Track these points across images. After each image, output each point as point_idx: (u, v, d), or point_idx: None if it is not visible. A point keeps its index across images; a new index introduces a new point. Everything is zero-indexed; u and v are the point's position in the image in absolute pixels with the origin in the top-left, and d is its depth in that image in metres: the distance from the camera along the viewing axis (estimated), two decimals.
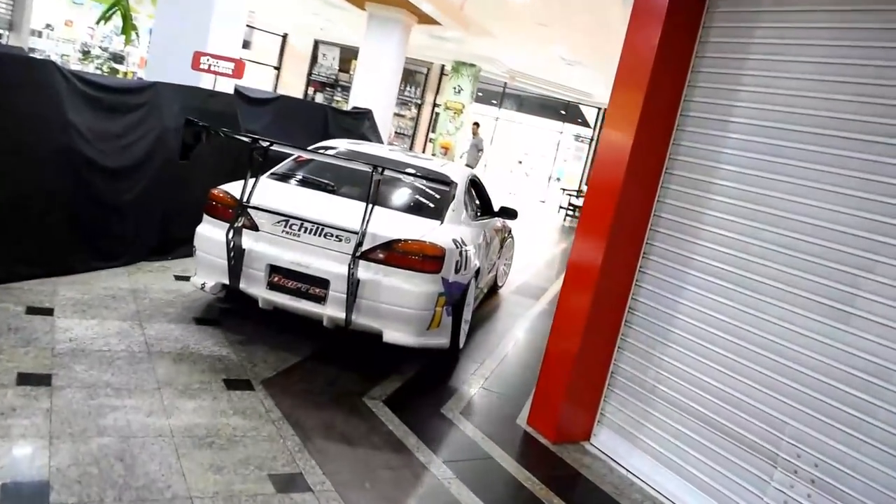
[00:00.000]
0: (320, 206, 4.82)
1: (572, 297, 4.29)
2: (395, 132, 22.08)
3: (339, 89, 22.25)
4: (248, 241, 4.60)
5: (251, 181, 4.61)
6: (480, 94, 21.74)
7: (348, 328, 4.55)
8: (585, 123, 24.10)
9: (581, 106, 23.88)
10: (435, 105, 23.08)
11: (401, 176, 4.92)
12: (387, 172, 4.48)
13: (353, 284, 4.37)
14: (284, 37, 22.83)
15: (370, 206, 4.39)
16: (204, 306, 5.30)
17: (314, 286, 4.52)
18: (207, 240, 4.75)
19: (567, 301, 4.33)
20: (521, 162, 24.49)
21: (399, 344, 4.58)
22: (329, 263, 4.50)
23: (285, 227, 4.57)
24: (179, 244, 6.29)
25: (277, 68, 22.98)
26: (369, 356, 4.98)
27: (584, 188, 21.31)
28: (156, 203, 5.95)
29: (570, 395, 4.26)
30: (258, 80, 23.04)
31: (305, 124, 10.34)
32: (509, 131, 24.68)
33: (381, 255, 4.47)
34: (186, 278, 5.74)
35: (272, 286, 4.58)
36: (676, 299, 3.97)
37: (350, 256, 4.36)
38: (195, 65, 7.35)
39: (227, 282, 4.65)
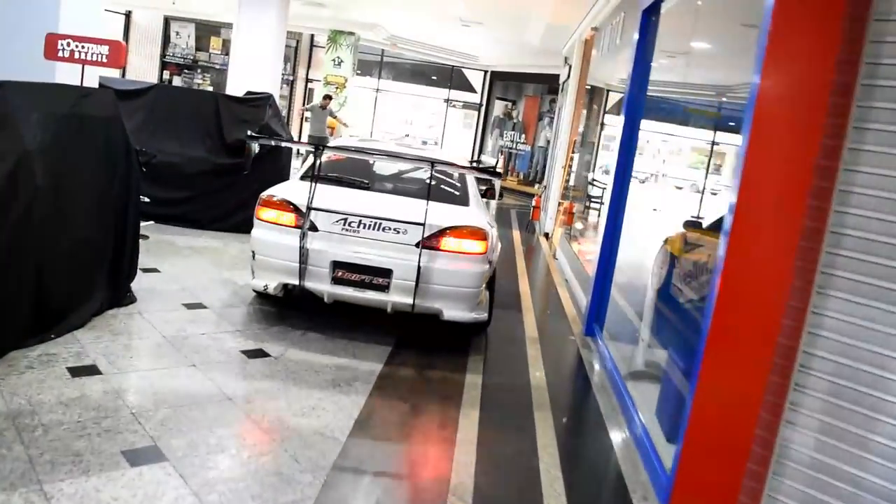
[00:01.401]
0: (372, 202, 5.26)
1: (724, 360, 2.92)
2: None
3: (198, 71, 19.76)
4: (309, 240, 4.92)
5: (312, 185, 4.99)
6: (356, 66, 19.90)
7: (413, 311, 4.98)
8: (471, 89, 22.81)
9: (465, 70, 22.54)
10: (308, 80, 21.05)
11: (447, 167, 5.66)
12: (438, 167, 5.40)
13: (418, 271, 4.82)
14: (128, 15, 19.97)
15: (428, 199, 4.99)
16: (134, 429, 3.53)
17: (377, 276, 4.93)
18: (266, 243, 5.10)
19: (715, 368, 2.96)
20: (407, 135, 22.90)
21: (455, 320, 5.12)
22: (390, 254, 4.93)
23: (344, 224, 4.95)
24: (66, 311, 4.43)
25: None
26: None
27: (484, 159, 20.03)
28: (24, 258, 4.04)
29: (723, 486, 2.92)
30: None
31: (192, 118, 8.39)
32: (392, 103, 23.01)
33: (436, 242, 4.96)
34: (89, 370, 3.96)
35: (337, 281, 4.96)
36: (883, 352, 2.68)
37: (411, 246, 4.90)
38: (50, 52, 5.34)
39: (290, 282, 5.00)
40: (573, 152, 11.85)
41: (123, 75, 20.07)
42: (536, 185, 19.74)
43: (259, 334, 5.04)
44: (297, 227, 4.98)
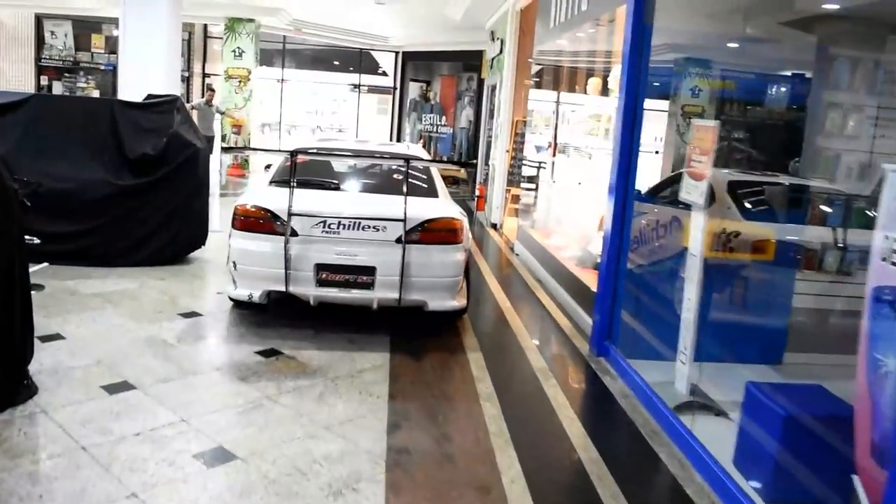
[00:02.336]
0: (348, 203, 5.38)
1: None
2: None
3: (81, 74, 17.69)
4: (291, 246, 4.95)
5: (290, 191, 5.03)
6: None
7: (399, 305, 5.07)
8: (382, 72, 21.52)
9: (375, 53, 21.22)
10: (205, 75, 19.28)
11: (424, 163, 6.22)
12: (413, 163, 5.67)
13: (402, 266, 4.91)
14: None
15: (405, 195, 5.13)
16: None
17: (362, 275, 5.01)
18: (248, 252, 5.09)
19: None
20: (318, 127, 21.46)
21: (440, 310, 5.23)
22: (373, 252, 5.01)
23: (324, 227, 4.99)
24: None
25: None
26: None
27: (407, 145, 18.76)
28: None
29: None
30: None
31: (82, 132, 6.94)
32: (299, 93, 21.47)
33: (417, 236, 5.04)
34: None
35: (321, 283, 5.03)
36: None
37: (392, 242, 4.98)
38: None
39: (274, 288, 5.02)
40: (517, 133, 10.87)
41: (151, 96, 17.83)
42: (461, 169, 18.73)
43: (214, 423, 3.80)
44: (277, 233, 4.98)
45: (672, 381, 4.48)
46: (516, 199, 10.99)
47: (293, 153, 5.37)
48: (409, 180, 5.49)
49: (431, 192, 5.82)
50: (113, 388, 4.10)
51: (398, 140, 20.34)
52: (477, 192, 11.30)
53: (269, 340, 5.13)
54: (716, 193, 4.65)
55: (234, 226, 5.20)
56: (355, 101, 21.27)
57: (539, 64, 9.57)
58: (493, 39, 12.87)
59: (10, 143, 6.51)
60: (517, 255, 9.15)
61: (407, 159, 5.49)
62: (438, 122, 19.18)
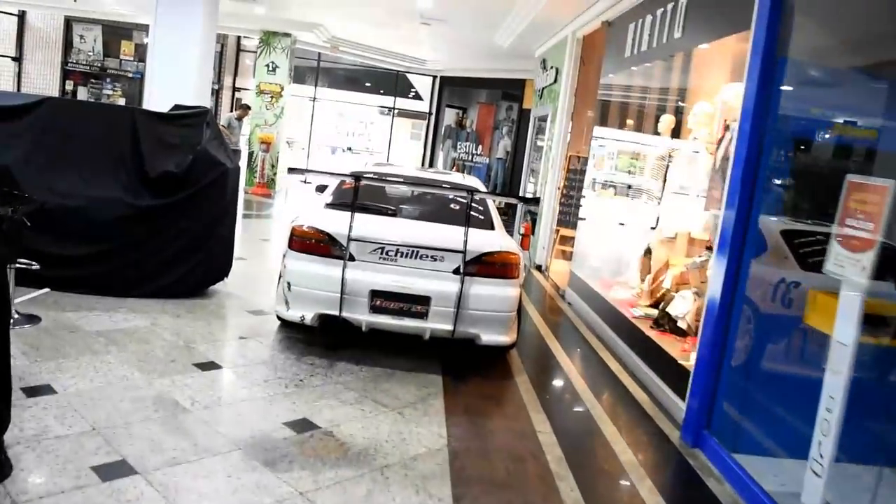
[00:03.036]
0: (407, 230, 5.30)
1: None
2: None
3: (108, 80, 17.11)
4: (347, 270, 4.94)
5: (351, 214, 5.05)
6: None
7: (453, 337, 5.03)
8: (418, 96, 20.83)
9: (411, 76, 20.55)
10: (235, 89, 18.68)
11: (487, 195, 6.60)
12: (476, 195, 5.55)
13: (459, 298, 4.90)
14: (21, 16, 17.15)
15: (467, 226, 5.16)
16: None
17: (416, 304, 4.97)
18: (302, 274, 5.07)
19: None
20: (349, 148, 20.75)
21: (493, 344, 5.19)
22: (429, 282, 4.99)
23: (382, 253, 5.01)
24: None
25: (17, 59, 17.26)
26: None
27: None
28: None
29: None
30: None
31: (99, 143, 6.16)
32: (331, 113, 20.78)
33: (474, 268, 5.04)
34: None
35: (375, 309, 4.98)
36: None
37: (449, 273, 5.00)
38: None
39: (327, 312, 4.99)
40: (570, 169, 10.01)
41: (18, 88, 17.27)
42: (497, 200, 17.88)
43: None
44: (333, 256, 5.00)
45: (797, 493, 3.55)
46: (565, 240, 10.11)
47: (357, 177, 5.32)
48: (466, 210, 5.42)
49: (488, 224, 5.75)
50: (107, 472, 3.22)
51: (430, 166, 19.56)
52: (521, 230, 10.44)
53: (300, 405, 4.26)
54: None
55: (290, 246, 5.16)
56: (386, 124, 20.56)
57: (606, 97, 8.72)
58: (544, 68, 12.07)
59: (18, 152, 5.73)
60: (570, 304, 8.24)
61: (470, 191, 5.51)
62: (474, 151, 18.40)
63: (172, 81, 9.55)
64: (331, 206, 5.69)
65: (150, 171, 6.11)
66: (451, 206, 6.01)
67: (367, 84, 22.19)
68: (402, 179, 6.22)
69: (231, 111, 16.26)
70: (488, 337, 5.12)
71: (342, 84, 22.10)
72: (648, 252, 7.17)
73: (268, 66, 15.72)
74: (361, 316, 5.01)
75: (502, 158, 17.91)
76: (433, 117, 19.81)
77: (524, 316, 6.78)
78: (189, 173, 6.14)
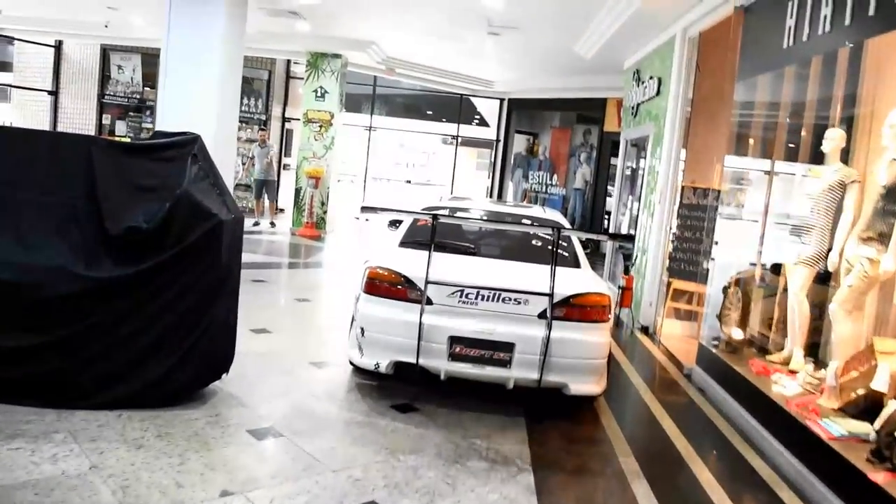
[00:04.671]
0: (487, 271, 4.98)
1: None
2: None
3: (147, 113, 15.75)
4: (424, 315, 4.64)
5: (429, 255, 4.72)
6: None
7: (539, 387, 4.64)
8: (483, 122, 18.91)
9: (475, 100, 18.66)
10: (285, 120, 17.09)
11: (573, 232, 6.28)
12: (564, 232, 5.28)
13: (546, 344, 4.54)
14: (58, 47, 16.01)
15: (554, 266, 4.69)
16: None
17: (499, 351, 4.66)
18: (377, 319, 4.81)
19: None
20: (409, 181, 18.94)
21: (582, 395, 4.83)
22: (512, 327, 4.66)
23: (461, 297, 4.68)
24: None
25: (53, 92, 16.09)
26: None
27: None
28: None
29: None
30: (29, 112, 16.12)
31: (43, 185, 4.28)
32: (388, 143, 19.01)
33: (561, 312, 4.67)
34: None
35: (454, 357, 4.69)
36: None
37: (534, 317, 4.65)
38: None
39: (403, 359, 4.71)
40: (685, 204, 7.80)
41: (54, 124, 16.08)
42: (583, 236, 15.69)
43: None
44: (409, 300, 4.71)
45: None
46: (679, 294, 7.89)
47: (434, 216, 4.98)
48: (549, 248, 5.10)
49: (573, 262, 5.42)
50: None
51: (499, 198, 17.55)
52: (621, 282, 8.27)
53: None
54: None
55: (363, 289, 4.92)
56: (449, 155, 18.67)
57: (746, 108, 6.55)
58: (638, 81, 9.95)
59: None
60: (701, 390, 6.02)
61: (556, 227, 5.17)
62: (548, 182, 16.31)
63: (187, 108, 7.86)
64: (405, 244, 5.44)
65: (111, 227, 4.24)
66: (533, 242, 5.68)
67: (428, 111, 20.42)
68: (481, 216, 5.96)
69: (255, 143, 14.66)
70: (577, 387, 4.77)
71: (401, 112, 20.39)
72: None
73: (316, 91, 14.04)
74: (440, 364, 4.71)
75: (580, 189, 15.77)
76: (501, 145, 17.80)
77: (636, 402, 5.23)
78: (164, 229, 4.25)
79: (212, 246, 4.35)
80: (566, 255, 5.37)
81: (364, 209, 5.78)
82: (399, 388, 5.15)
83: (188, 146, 4.52)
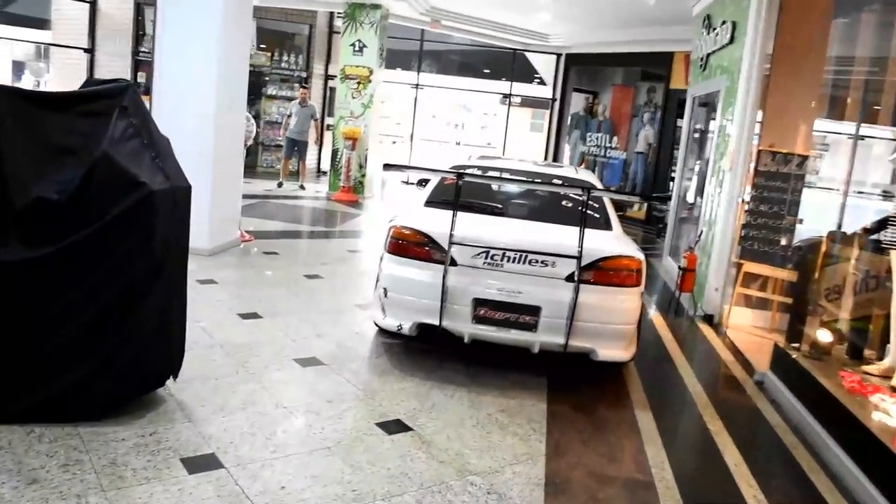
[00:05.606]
0: (514, 232, 4.80)
1: None
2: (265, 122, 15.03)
3: None
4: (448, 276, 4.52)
5: (453, 215, 4.54)
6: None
7: (564, 352, 4.51)
8: (539, 80, 17.58)
9: (530, 56, 17.32)
10: (328, 77, 16.14)
11: (605, 193, 6.26)
12: (594, 192, 5.03)
13: (573, 308, 4.36)
14: (93, 2, 15.35)
15: (583, 228, 4.50)
16: None
17: (524, 314, 4.53)
18: (401, 280, 4.70)
19: None
20: (458, 143, 17.83)
21: (610, 360, 4.65)
22: (538, 290, 4.51)
23: (486, 258, 4.54)
24: None
25: (89, 50, 15.49)
26: None
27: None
28: None
29: None
30: (68, 73, 15.59)
31: None
32: (437, 102, 17.89)
33: (590, 275, 4.50)
34: None
35: (478, 319, 4.57)
36: None
37: (561, 280, 4.46)
38: None
39: (426, 321, 4.59)
40: (761, 171, 6.52)
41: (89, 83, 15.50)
42: (635, 206, 14.39)
43: None
44: (434, 261, 4.57)
45: None
46: (752, 279, 6.66)
47: (459, 174, 4.77)
48: (580, 208, 4.84)
49: (604, 224, 5.17)
50: None
51: (554, 161, 16.29)
52: (682, 261, 7.07)
53: None
54: None
55: (387, 249, 4.79)
56: (502, 115, 17.46)
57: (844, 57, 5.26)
58: (708, 28, 8.58)
59: None
60: (775, 402, 4.87)
61: (587, 188, 4.85)
62: (607, 144, 14.97)
63: (181, 56, 6.97)
64: (431, 203, 5.28)
65: (17, 198, 3.34)
66: (563, 202, 5.44)
67: (484, 69, 19.18)
68: (508, 175, 5.66)
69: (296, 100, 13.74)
70: (605, 352, 4.60)
71: (452, 69, 19.19)
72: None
73: (353, 45, 13.00)
74: (463, 327, 4.59)
75: (643, 152, 14.37)
76: (557, 104, 16.46)
77: (691, 419, 4.34)
78: (80, 201, 3.34)
79: (140, 223, 3.42)
80: (597, 216, 5.13)
81: (387, 166, 5.52)
82: (392, 407, 4.18)
83: (116, 97, 3.56)
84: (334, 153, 13.34)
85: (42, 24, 17.07)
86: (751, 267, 6.55)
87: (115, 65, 15.31)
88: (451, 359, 5.01)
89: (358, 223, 10.95)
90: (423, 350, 5.13)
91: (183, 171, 3.77)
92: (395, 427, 3.87)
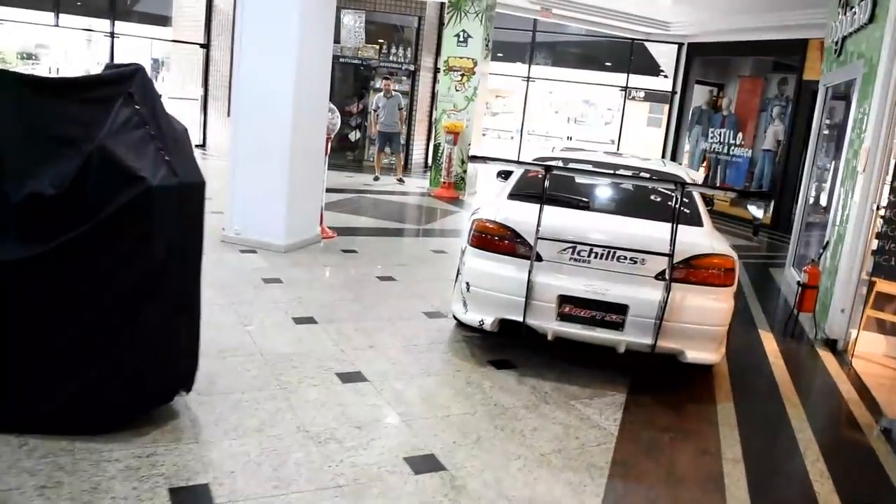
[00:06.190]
0: (601, 227, 4.67)
1: None
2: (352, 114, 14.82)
3: None
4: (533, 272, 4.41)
5: (540, 210, 4.35)
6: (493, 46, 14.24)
7: (652, 353, 4.35)
8: (657, 72, 16.49)
9: (650, 45, 16.27)
10: (436, 70, 15.78)
11: (706, 190, 6.49)
12: (692, 189, 4.94)
13: (663, 308, 4.22)
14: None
15: (675, 224, 4.29)
16: None
17: (611, 313, 4.39)
18: (483, 273, 4.61)
19: None
20: (570, 138, 17.03)
21: (699, 363, 4.50)
22: (626, 288, 4.37)
23: (573, 254, 4.44)
24: None
25: (205, 46, 15.86)
26: None
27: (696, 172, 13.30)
28: None
29: None
30: (185, 68, 16.09)
31: None
32: (547, 95, 17.16)
33: (682, 273, 4.36)
34: None
35: (563, 317, 4.45)
36: None
37: (650, 278, 4.33)
38: None
39: (509, 317, 4.50)
40: None
41: (206, 78, 15.88)
42: (757, 208, 13.13)
43: None
44: (518, 256, 4.47)
45: None
46: (887, 300, 5.65)
47: (547, 167, 4.53)
48: (669, 203, 4.77)
49: (696, 221, 4.88)
50: None
51: (672, 161, 15.20)
52: (803, 276, 6.12)
53: None
54: None
55: (470, 242, 4.71)
56: (619, 108, 16.50)
57: None
58: (845, 7, 7.48)
59: None
60: None
61: (681, 183, 4.49)
62: (731, 141, 13.78)
63: (260, 48, 6.75)
64: (514, 196, 5.12)
65: (13, 192, 3.05)
66: (651, 196, 5.22)
67: (603, 61, 18.27)
68: (595, 168, 5.38)
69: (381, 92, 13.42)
70: (694, 354, 4.39)
71: (569, 62, 18.38)
72: None
73: (458, 35, 12.53)
74: (548, 324, 4.44)
75: (771, 150, 13.10)
76: (678, 97, 15.33)
77: (796, 479, 3.41)
78: (75, 196, 3.01)
79: (137, 222, 3.05)
80: (687, 211, 4.86)
81: (473, 158, 5.49)
82: (428, 438, 3.65)
83: (121, 84, 3.21)
84: (436, 148, 12.94)
85: (164, 21, 17.68)
86: (885, 286, 5.54)
87: (225, 58, 15.60)
88: (512, 380, 4.42)
89: (453, 221, 10.46)
90: (485, 370, 4.58)
91: (197, 165, 3.38)
92: (424, 464, 3.34)
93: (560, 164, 5.30)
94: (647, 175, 5.41)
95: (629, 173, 5.28)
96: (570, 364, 4.83)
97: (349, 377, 4.24)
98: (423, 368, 4.53)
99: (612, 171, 5.27)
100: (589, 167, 5.40)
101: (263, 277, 6.11)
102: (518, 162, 5.29)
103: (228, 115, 9.15)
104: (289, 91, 6.76)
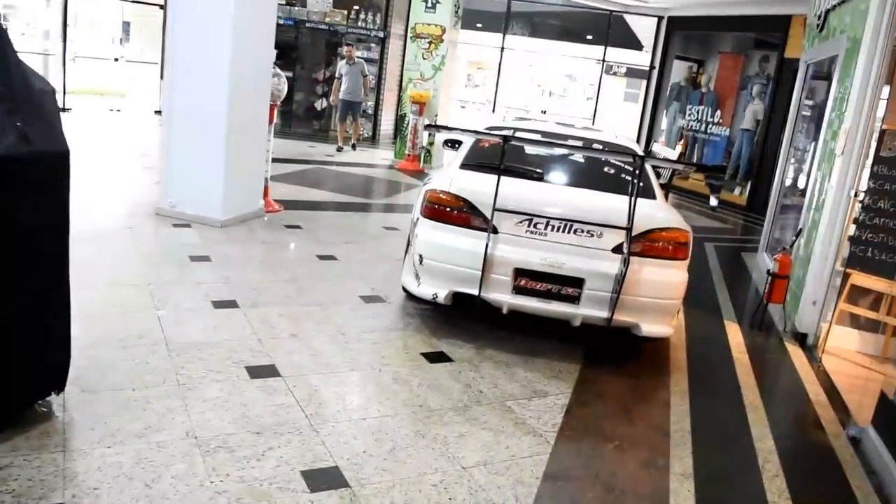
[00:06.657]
0: (558, 199, 4.61)
1: None
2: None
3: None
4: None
5: (497, 181, 4.27)
6: (465, 15, 13.63)
7: (609, 326, 4.32)
8: (635, 45, 15.99)
9: (626, 16, 15.74)
10: (407, 37, 15.16)
11: (660, 163, 6.32)
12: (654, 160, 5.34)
13: (620, 281, 4.19)
14: None
15: (634, 197, 4.23)
16: None
17: (567, 286, 4.36)
18: (437, 246, 4.48)
19: None
20: (544, 111, 16.53)
21: (654, 336, 4.50)
22: (582, 261, 4.33)
23: (529, 226, 4.36)
24: None
25: (164, 6, 15.10)
26: None
27: (666, 149, 12.83)
28: None
29: None
30: (146, 31, 15.35)
31: None
32: (523, 67, 16.63)
33: (638, 247, 4.33)
34: None
35: (518, 290, 4.39)
36: None
37: (607, 251, 4.31)
38: None
39: (463, 290, 4.40)
40: (886, 156, 5.08)
41: (164, 37, 15.14)
42: (737, 190, 12.82)
43: None
44: (473, 228, 4.38)
45: None
46: (860, 293, 5.27)
47: (505, 138, 4.42)
48: (622, 176, 4.93)
49: (648, 193, 4.77)
50: None
51: (648, 139, 14.76)
52: (773, 264, 5.73)
53: None
54: None
55: (423, 213, 4.57)
56: (596, 83, 16.00)
57: None
58: None
59: None
60: (873, 475, 3.58)
61: (639, 156, 4.62)
62: (709, 119, 13.36)
63: (193, 7, 6.19)
64: (466, 167, 4.99)
65: None
66: (605, 168, 5.14)
67: (583, 34, 17.72)
68: (548, 139, 5.20)
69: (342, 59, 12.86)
70: (650, 327, 4.39)
71: (549, 33, 17.82)
72: None
73: (426, 1, 11.93)
74: (503, 297, 4.36)
75: (749, 130, 12.70)
76: (656, 72, 14.84)
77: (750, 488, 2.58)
78: None
79: (57, 179, 2.56)
80: (641, 184, 4.64)
81: (427, 127, 5.25)
82: (336, 446, 3.19)
83: None
84: (401, 118, 12.40)
85: None
86: (860, 279, 5.15)
87: None
88: (445, 376, 3.98)
89: (413, 196, 9.95)
90: (416, 364, 4.13)
91: (61, 131, 2.85)
92: (324, 480, 2.89)
93: (511, 133, 5.00)
94: (600, 147, 5.30)
95: (581, 144, 5.19)
96: (514, 357, 4.40)
97: (259, 371, 3.77)
98: (348, 361, 4.07)
99: (570, 143, 5.15)
100: (538, 137, 5.24)
101: (191, 255, 5.61)
102: (474, 132, 5.07)
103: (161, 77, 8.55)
104: (225, 53, 6.21)
